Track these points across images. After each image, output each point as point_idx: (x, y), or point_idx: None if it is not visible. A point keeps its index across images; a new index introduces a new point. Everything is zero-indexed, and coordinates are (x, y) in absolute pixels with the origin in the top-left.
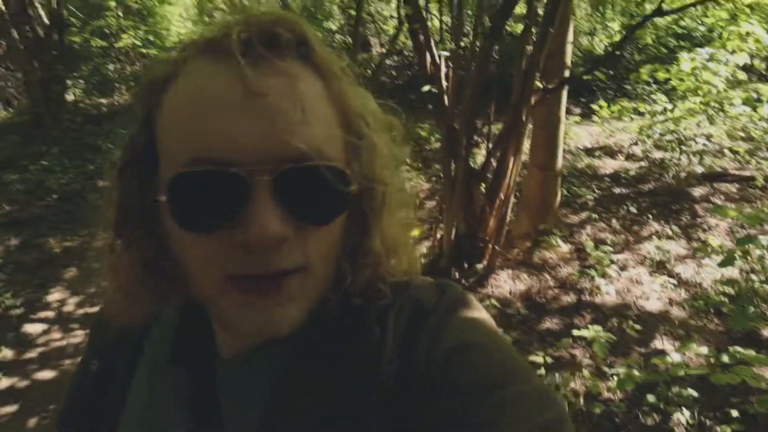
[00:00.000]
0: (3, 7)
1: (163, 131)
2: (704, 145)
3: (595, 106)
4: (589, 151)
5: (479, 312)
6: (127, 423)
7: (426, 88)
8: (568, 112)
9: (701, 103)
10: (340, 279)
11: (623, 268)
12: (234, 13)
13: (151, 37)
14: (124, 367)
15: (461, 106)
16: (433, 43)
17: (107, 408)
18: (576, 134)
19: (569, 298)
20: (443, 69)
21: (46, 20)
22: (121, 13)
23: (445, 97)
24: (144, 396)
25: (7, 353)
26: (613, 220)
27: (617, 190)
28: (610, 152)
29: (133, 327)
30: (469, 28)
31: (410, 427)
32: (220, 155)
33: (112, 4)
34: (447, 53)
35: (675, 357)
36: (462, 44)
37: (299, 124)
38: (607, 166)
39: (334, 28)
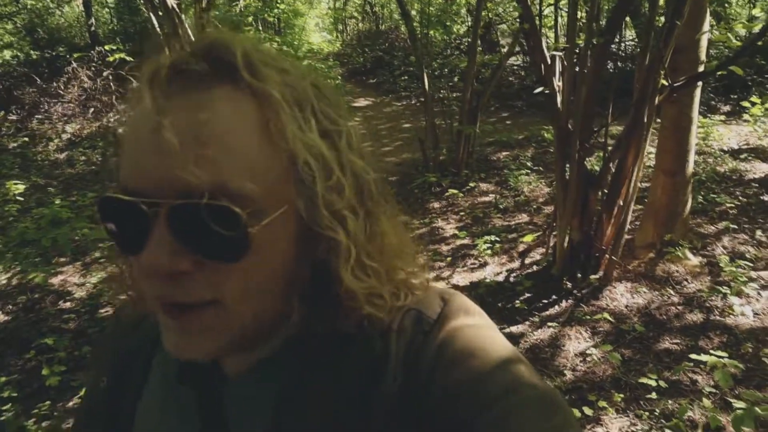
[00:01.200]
0: (159, 29)
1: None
2: None
3: (746, 103)
4: (735, 154)
5: (483, 321)
6: None
7: (539, 89)
8: (714, 110)
9: None
10: (287, 316)
11: (765, 286)
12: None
13: (285, 47)
14: (133, 384)
15: (575, 107)
16: (544, 42)
17: (117, 425)
18: (720, 135)
19: (695, 317)
20: (557, 68)
21: (192, 38)
22: (260, 27)
23: (558, 98)
24: (153, 413)
25: None
26: (758, 232)
27: (766, 198)
28: (761, 154)
29: (142, 344)
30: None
31: None
32: (133, 185)
33: (250, 19)
34: (560, 52)
35: None
36: (578, 42)
37: (194, 158)
38: (757, 170)
39: (462, 31)
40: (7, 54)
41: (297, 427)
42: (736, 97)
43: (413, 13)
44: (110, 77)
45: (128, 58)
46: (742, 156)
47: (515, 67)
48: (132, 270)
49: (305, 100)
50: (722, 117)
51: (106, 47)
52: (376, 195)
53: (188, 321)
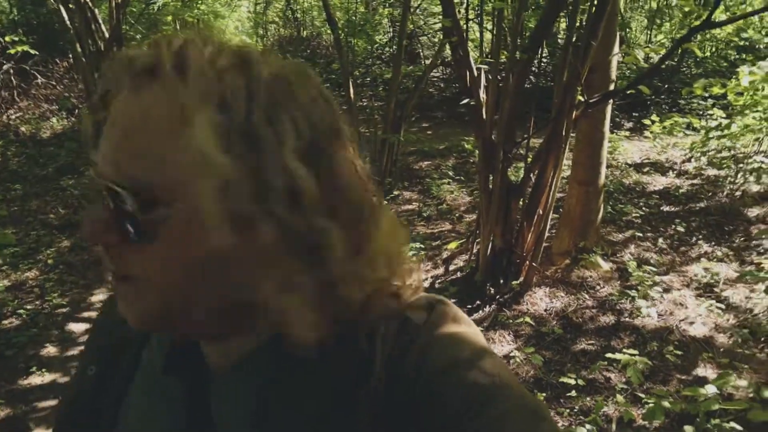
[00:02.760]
0: (68, 23)
1: None
2: (762, 162)
3: (646, 121)
4: (638, 167)
5: (470, 328)
6: (123, 430)
7: (465, 101)
8: (619, 126)
9: (761, 118)
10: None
11: (667, 290)
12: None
13: None
14: (122, 374)
15: (499, 119)
16: (471, 56)
17: (104, 414)
18: (625, 149)
19: (608, 319)
20: (482, 82)
21: (107, 34)
22: (178, 27)
23: (483, 110)
24: (141, 404)
25: (51, 349)
26: (660, 240)
27: (666, 208)
28: (660, 169)
29: (131, 334)
30: (509, 40)
31: None
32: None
33: (169, 18)
34: (486, 66)
35: (710, 389)
36: (502, 57)
37: (119, 150)
38: (657, 182)
39: (384, 40)
40: None
41: (280, 424)
42: (637, 114)
43: (337, 20)
44: (11, 71)
45: (33, 51)
46: (645, 169)
47: (435, 79)
48: None
49: (235, 99)
50: (626, 133)
51: (6, 38)
52: (344, 199)
53: (120, 286)
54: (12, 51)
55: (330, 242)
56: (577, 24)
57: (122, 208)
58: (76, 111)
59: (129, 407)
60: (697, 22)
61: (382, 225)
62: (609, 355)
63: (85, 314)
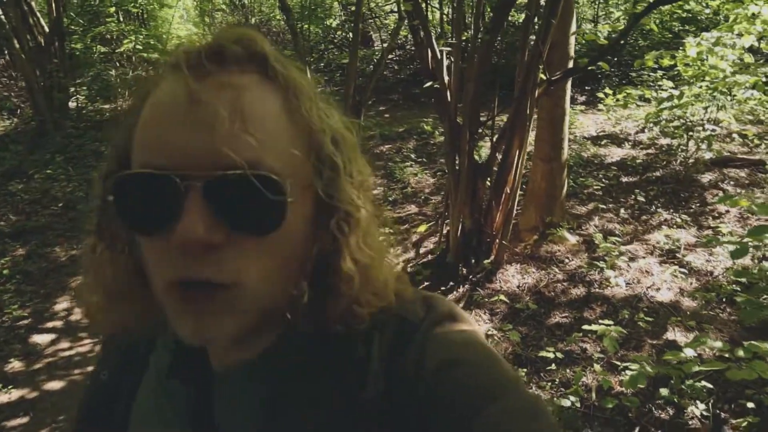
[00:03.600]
0: (3, 18)
1: (134, 141)
2: (712, 130)
3: (600, 94)
4: (594, 140)
5: (467, 325)
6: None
7: (428, 84)
8: (573, 101)
9: (708, 88)
10: (297, 298)
11: (633, 258)
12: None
13: (152, 41)
14: (131, 379)
15: (463, 101)
16: (434, 38)
17: (116, 417)
18: (581, 123)
19: (578, 291)
20: (444, 63)
21: (46, 28)
22: (121, 18)
23: (447, 92)
24: (148, 408)
25: (16, 365)
26: (621, 210)
27: (625, 179)
28: (616, 140)
29: (141, 339)
30: (470, 21)
31: None
32: (159, 160)
33: (112, 9)
34: (448, 48)
35: (688, 352)
36: (463, 38)
37: (235, 133)
38: (614, 154)
39: (334, 24)
40: None
41: (285, 427)
42: (590, 88)
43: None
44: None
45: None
46: (602, 142)
47: (388, 61)
48: (148, 251)
49: (322, 97)
50: (581, 107)
51: None
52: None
53: (209, 301)
54: None
55: (356, 223)
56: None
57: (253, 196)
58: (18, 111)
59: (137, 411)
60: None
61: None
62: (585, 327)
63: (49, 324)
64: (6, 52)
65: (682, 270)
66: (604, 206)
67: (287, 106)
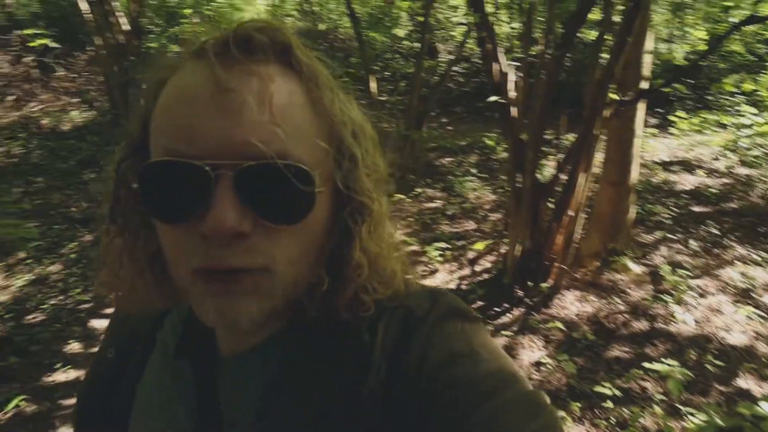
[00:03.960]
0: (88, 16)
1: (152, 128)
2: None
3: (672, 118)
4: (665, 166)
5: (472, 321)
6: (137, 412)
7: (493, 98)
8: (644, 123)
9: None
10: (317, 285)
11: (702, 294)
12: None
13: None
14: (137, 358)
15: (529, 118)
16: (500, 52)
17: (120, 396)
18: (651, 147)
19: (641, 325)
20: (511, 78)
21: (126, 27)
22: (197, 20)
23: (513, 108)
24: (153, 387)
25: (75, 346)
26: (691, 242)
27: (696, 209)
28: (689, 167)
29: (147, 319)
30: (539, 35)
31: None
32: (188, 149)
33: (188, 12)
34: (516, 62)
35: (765, 407)
36: (532, 53)
37: (264, 123)
38: (686, 182)
39: (401, 34)
40: None
41: (285, 413)
42: (662, 111)
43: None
44: (32, 64)
45: (53, 45)
46: (673, 168)
47: (453, 73)
48: (171, 239)
49: (342, 88)
50: (652, 130)
51: (27, 31)
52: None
53: (235, 283)
54: (33, 44)
55: (370, 214)
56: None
57: (283, 186)
58: (97, 104)
59: (142, 390)
60: (735, 16)
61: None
62: (647, 365)
63: (108, 311)
64: (88, 48)
65: (759, 312)
66: (672, 236)
67: (310, 96)
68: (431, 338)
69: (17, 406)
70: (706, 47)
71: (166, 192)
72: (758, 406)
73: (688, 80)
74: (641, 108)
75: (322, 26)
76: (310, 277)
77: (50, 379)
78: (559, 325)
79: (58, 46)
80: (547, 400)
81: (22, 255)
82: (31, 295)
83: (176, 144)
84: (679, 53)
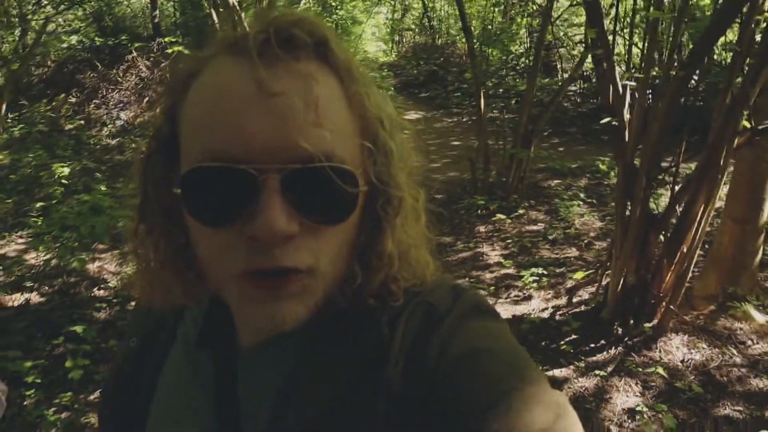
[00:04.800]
0: (218, 25)
1: (184, 124)
2: None
3: None
4: None
5: (495, 319)
6: (158, 402)
7: (606, 119)
8: None
9: None
10: (351, 279)
11: None
12: (264, 15)
13: None
14: (159, 349)
15: (644, 142)
16: (617, 71)
17: (144, 383)
18: None
19: (762, 383)
20: (627, 100)
21: None
22: None
23: (626, 132)
24: (174, 378)
25: None
26: None
27: None
28: None
29: (170, 310)
30: (664, 56)
31: (418, 430)
32: (232, 152)
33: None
34: (633, 83)
35: None
36: (653, 73)
37: (311, 125)
38: None
39: (519, 51)
40: (74, 39)
41: (303, 405)
42: None
43: (472, 29)
44: (167, 68)
45: (186, 51)
46: None
47: (570, 93)
48: (211, 242)
49: (373, 79)
50: None
51: (166, 39)
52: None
53: (281, 287)
54: (170, 51)
55: (401, 206)
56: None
57: (330, 189)
58: None
59: (163, 381)
60: None
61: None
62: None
63: None
64: None
65: None
66: None
67: (347, 92)
68: (452, 334)
69: None
70: None
71: (210, 196)
72: None
73: None
74: None
75: (439, 40)
76: (346, 271)
77: None
78: (661, 370)
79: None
80: (568, 402)
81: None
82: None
83: (220, 146)
84: None
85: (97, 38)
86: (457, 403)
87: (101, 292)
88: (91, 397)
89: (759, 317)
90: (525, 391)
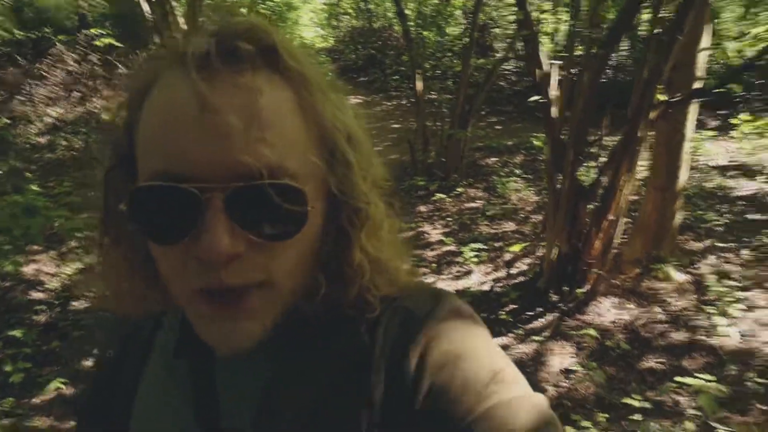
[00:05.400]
0: (148, 16)
1: (139, 142)
2: None
3: (735, 120)
4: (722, 170)
5: (474, 322)
6: (137, 412)
7: (534, 97)
8: (703, 125)
9: None
10: (315, 290)
11: (750, 308)
12: (208, 23)
13: None
14: (137, 357)
15: (571, 118)
16: (542, 50)
17: (121, 395)
18: (708, 151)
19: (680, 336)
20: (553, 78)
21: (183, 26)
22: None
23: (553, 108)
24: (153, 387)
25: None
26: (744, 251)
27: (753, 216)
28: (748, 172)
29: (146, 318)
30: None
31: None
32: (176, 171)
33: (245, 10)
34: (558, 61)
35: None
36: (578, 51)
37: (253, 140)
38: (743, 187)
39: (455, 32)
40: None
41: (284, 412)
42: (724, 113)
43: (408, 12)
44: (97, 62)
45: (117, 44)
46: (730, 173)
47: (506, 72)
48: (165, 259)
49: (333, 87)
50: (711, 132)
51: (93, 30)
52: (380, 184)
53: (235, 306)
54: (98, 43)
55: (367, 217)
56: (662, 15)
57: (274, 206)
58: None
59: (143, 389)
60: None
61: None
62: (679, 378)
63: None
64: (152, 47)
65: None
66: (723, 245)
67: (301, 102)
68: (431, 339)
69: (58, 388)
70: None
71: (156, 214)
72: None
73: (756, 81)
74: (694, 110)
75: (376, 24)
76: (308, 282)
77: (89, 363)
78: (593, 332)
79: (121, 45)
80: (548, 404)
81: (72, 244)
82: (78, 283)
83: (165, 166)
84: (735, 52)
85: (17, 32)
86: (440, 409)
87: (39, 294)
88: (36, 400)
89: (678, 277)
90: (507, 396)
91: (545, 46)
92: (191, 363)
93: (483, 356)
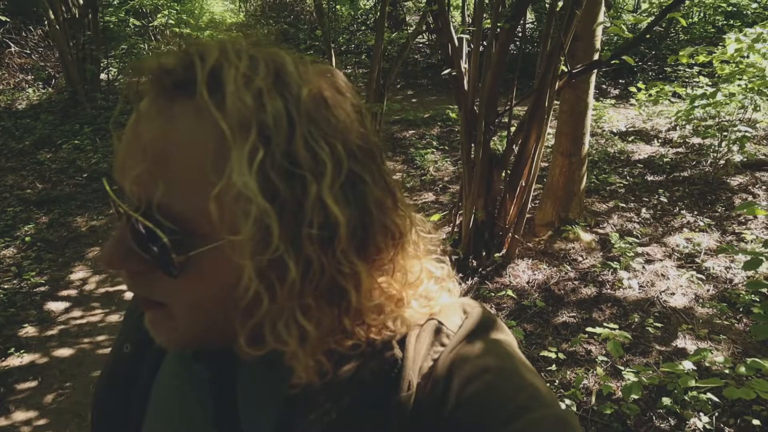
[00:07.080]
0: None
1: None
2: (746, 131)
3: (633, 89)
4: (623, 136)
5: (503, 334)
6: (152, 410)
7: (447, 71)
8: (605, 94)
9: (746, 87)
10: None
11: (649, 261)
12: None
13: (184, 17)
14: (153, 356)
15: (481, 90)
16: (452, 25)
17: (136, 392)
18: (611, 117)
19: (589, 291)
20: (464, 51)
21: (81, 0)
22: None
23: (465, 80)
24: (169, 386)
25: (30, 330)
26: (643, 210)
27: (650, 178)
28: (645, 137)
29: None
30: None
31: None
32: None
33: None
34: (467, 35)
35: (687, 365)
36: (486, 25)
37: (140, 172)
38: (642, 151)
39: (368, 6)
40: None
41: (309, 420)
42: (624, 82)
43: None
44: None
45: (4, 18)
46: (630, 138)
47: (420, 45)
48: None
49: (276, 127)
50: (612, 100)
51: None
52: (370, 235)
53: (149, 311)
54: None
55: (356, 284)
56: None
57: (154, 238)
58: (53, 81)
59: (158, 389)
60: None
61: (408, 247)
62: (589, 329)
63: (65, 293)
64: (45, 22)
65: (700, 276)
66: (625, 205)
67: (225, 143)
68: (463, 352)
69: None
70: (658, 19)
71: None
72: (681, 364)
73: (650, 52)
74: (593, 80)
75: None
76: (226, 326)
77: (4, 363)
78: (511, 293)
79: (9, 20)
80: (577, 422)
81: None
82: None
83: (116, 176)
84: (628, 25)
85: None
86: (467, 423)
87: None
88: None
89: (586, 236)
90: (535, 411)
91: (455, 20)
92: (211, 367)
93: (513, 370)
